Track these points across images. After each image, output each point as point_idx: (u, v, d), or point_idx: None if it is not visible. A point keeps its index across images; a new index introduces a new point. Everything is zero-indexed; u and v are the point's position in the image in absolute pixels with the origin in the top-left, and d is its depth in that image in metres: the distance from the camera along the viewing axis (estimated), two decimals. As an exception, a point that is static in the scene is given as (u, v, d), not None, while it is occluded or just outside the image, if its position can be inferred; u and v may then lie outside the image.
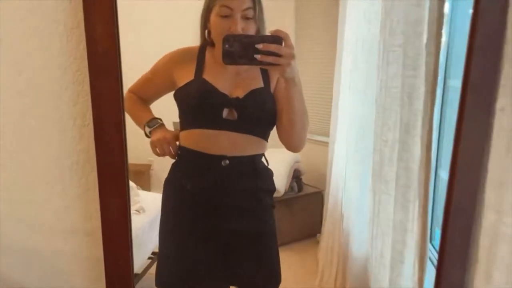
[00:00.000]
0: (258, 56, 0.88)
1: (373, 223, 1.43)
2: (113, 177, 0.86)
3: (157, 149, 1.15)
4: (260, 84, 1.12)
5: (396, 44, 1.18)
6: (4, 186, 0.91)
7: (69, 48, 0.86)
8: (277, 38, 0.88)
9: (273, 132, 1.19)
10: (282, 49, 0.89)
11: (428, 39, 0.95)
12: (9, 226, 0.93)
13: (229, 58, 0.89)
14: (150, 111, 1.25)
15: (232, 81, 1.12)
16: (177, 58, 1.18)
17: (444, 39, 1.43)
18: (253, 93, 1.10)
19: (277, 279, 1.22)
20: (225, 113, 1.09)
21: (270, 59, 0.89)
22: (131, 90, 1.26)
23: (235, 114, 1.09)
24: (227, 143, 1.10)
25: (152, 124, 1.18)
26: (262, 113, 1.11)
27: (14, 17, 0.86)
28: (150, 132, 1.17)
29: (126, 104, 1.21)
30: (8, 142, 0.90)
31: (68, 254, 0.95)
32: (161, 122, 1.20)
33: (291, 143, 1.14)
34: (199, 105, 1.10)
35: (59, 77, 0.87)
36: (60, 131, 0.89)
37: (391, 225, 1.22)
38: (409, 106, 1.09)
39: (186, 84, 1.12)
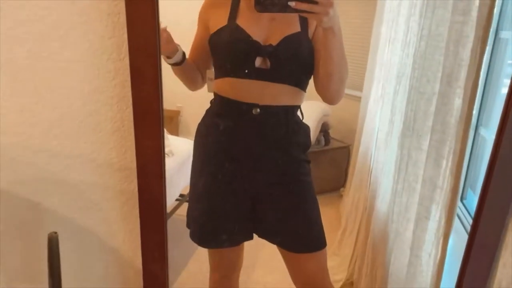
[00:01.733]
0: (292, 3, 0.83)
1: (398, 178, 1.41)
2: (148, 113, 0.87)
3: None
4: (296, 28, 1.07)
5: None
6: (41, 119, 0.94)
7: (105, -21, 0.84)
8: None
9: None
10: None
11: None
12: (46, 158, 0.96)
13: (261, 5, 0.85)
14: (200, 73, 1.25)
15: (267, 27, 1.07)
16: (211, 3, 1.15)
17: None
18: (287, 40, 1.05)
19: (318, 239, 1.16)
20: (257, 62, 1.06)
21: (305, 6, 0.84)
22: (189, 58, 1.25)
23: (268, 63, 1.06)
24: (259, 92, 1.07)
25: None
26: (296, 60, 1.07)
27: None
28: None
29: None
30: (44, 76, 0.91)
31: (102, 187, 0.99)
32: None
33: (328, 95, 1.10)
34: (230, 53, 1.07)
35: (94, 7, 0.86)
36: (95, 65, 0.90)
37: (420, 181, 1.19)
38: (454, 56, 1.02)
39: (218, 30, 1.09)
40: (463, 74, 0.98)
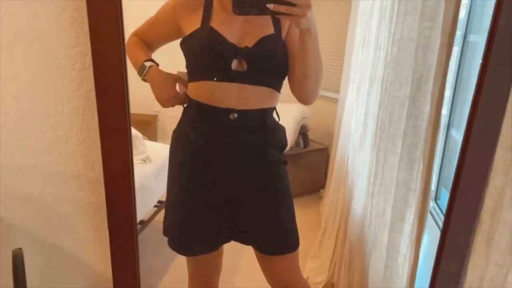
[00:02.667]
0: (270, 6, 0.82)
1: (374, 180, 1.43)
2: (115, 123, 0.85)
3: (166, 105, 1.15)
4: (270, 30, 1.07)
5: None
6: (4, 132, 0.91)
7: (67, -15, 0.81)
8: None
9: (282, 86, 1.16)
10: None
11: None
12: (10, 173, 0.93)
13: (240, 8, 0.84)
14: (146, 54, 1.19)
15: (241, 29, 1.06)
16: (183, 3, 1.11)
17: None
18: (262, 41, 1.05)
19: (289, 240, 1.17)
20: (234, 64, 1.04)
21: (283, 9, 0.83)
22: (135, 33, 1.21)
23: (245, 65, 1.04)
24: (236, 96, 1.06)
25: (145, 67, 1.13)
26: (273, 62, 1.07)
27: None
28: (144, 76, 1.14)
29: (128, 48, 1.17)
30: (6, 87, 0.88)
31: (70, 200, 0.96)
32: (152, 63, 1.15)
33: (303, 96, 1.09)
34: (206, 56, 1.05)
35: (56, 16, 0.83)
36: (59, 75, 0.87)
37: (394, 183, 1.21)
38: (423, 61, 1.03)
39: (192, 33, 1.07)
40: (431, 78, 0.99)
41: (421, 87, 1.05)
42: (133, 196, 0.92)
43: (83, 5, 0.82)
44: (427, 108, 1.02)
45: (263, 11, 0.83)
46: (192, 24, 1.07)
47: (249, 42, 1.05)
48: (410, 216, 1.12)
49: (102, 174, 0.93)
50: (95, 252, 1.04)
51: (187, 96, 1.14)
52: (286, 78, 1.12)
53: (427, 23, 1.01)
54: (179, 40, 1.12)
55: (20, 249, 0.87)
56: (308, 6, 0.85)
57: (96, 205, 0.98)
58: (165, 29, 1.16)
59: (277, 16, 0.89)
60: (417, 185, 1.08)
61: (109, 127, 0.85)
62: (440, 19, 0.93)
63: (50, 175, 0.94)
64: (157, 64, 1.16)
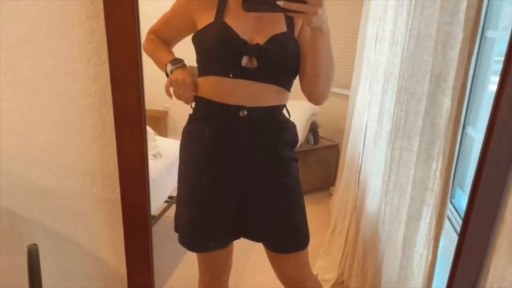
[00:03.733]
0: (281, 3, 0.81)
1: (389, 178, 1.41)
2: (130, 119, 0.84)
3: (172, 89, 1.09)
4: (283, 28, 1.05)
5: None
6: (20, 128, 0.90)
7: (82, -20, 0.81)
8: None
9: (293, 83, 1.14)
10: None
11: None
12: (26, 168, 0.93)
13: (249, 4, 0.83)
14: (171, 52, 1.19)
15: (254, 26, 1.05)
16: None
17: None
18: (274, 39, 1.03)
19: (299, 238, 1.16)
20: (244, 60, 1.03)
21: (294, 6, 0.82)
22: (151, 31, 1.20)
23: (255, 62, 1.03)
24: (246, 93, 1.05)
25: (175, 62, 1.12)
26: (283, 60, 1.05)
27: None
28: (171, 71, 1.11)
29: (147, 45, 1.17)
30: (22, 83, 0.87)
31: (85, 195, 0.96)
32: (183, 63, 1.14)
33: (314, 95, 1.08)
34: (217, 51, 1.04)
35: (72, 11, 0.82)
36: (75, 70, 0.86)
37: (410, 182, 1.19)
38: (443, 57, 1.01)
39: (205, 27, 1.05)
40: (451, 75, 0.97)
41: (440, 83, 1.03)
42: (148, 192, 0.91)
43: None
44: (446, 105, 1.00)
45: (273, 8, 0.82)
46: (206, 18, 1.06)
47: (261, 39, 1.04)
48: (427, 215, 1.10)
49: (116, 170, 0.93)
50: (109, 248, 1.04)
51: (195, 95, 1.13)
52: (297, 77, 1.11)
53: (447, 18, 0.99)
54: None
55: (35, 244, 0.87)
56: (319, 4, 0.83)
57: (110, 201, 0.98)
58: (180, 23, 1.15)
59: (289, 14, 0.87)
60: (435, 184, 1.05)
61: (125, 123, 0.85)
62: (461, 14, 0.91)
63: (65, 171, 0.94)
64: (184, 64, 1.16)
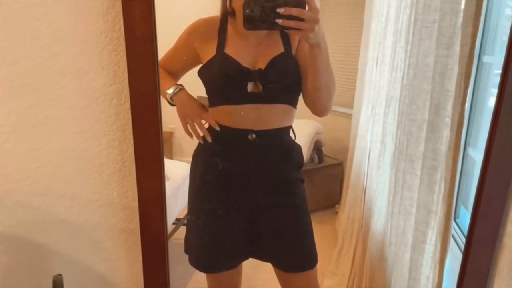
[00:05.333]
0: (279, 21, 0.85)
1: (393, 200, 1.45)
2: (149, 155, 0.89)
3: (188, 125, 1.15)
4: (280, 49, 1.10)
5: (430, 20, 1.15)
6: (46, 165, 0.96)
7: (106, 28, 0.87)
8: (300, 1, 0.85)
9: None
10: (305, 13, 0.85)
11: (464, 17, 0.92)
12: (51, 201, 0.98)
13: (250, 23, 0.87)
14: (173, 81, 1.23)
15: (255, 52, 1.10)
16: (198, 31, 1.16)
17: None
18: (274, 61, 1.08)
19: (308, 258, 1.19)
20: (250, 87, 1.08)
21: (292, 23, 0.85)
22: (159, 64, 1.26)
23: (260, 87, 1.08)
24: (254, 117, 1.10)
25: (173, 88, 1.16)
26: (285, 80, 1.10)
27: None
28: (171, 98, 1.16)
29: None
30: (48, 123, 0.94)
31: (105, 226, 1.01)
32: (181, 87, 1.18)
33: (316, 107, 1.12)
34: (222, 82, 1.09)
35: (96, 57, 0.89)
36: (97, 110, 0.92)
37: (415, 205, 1.23)
38: (441, 87, 1.07)
39: (208, 61, 1.11)
40: (450, 104, 1.02)
41: (439, 112, 1.08)
42: (165, 223, 0.96)
43: (120, 46, 0.88)
44: (446, 132, 1.05)
45: (273, 25, 0.86)
46: (208, 52, 1.12)
47: (262, 64, 1.09)
48: (432, 238, 1.14)
49: (135, 202, 0.98)
50: (126, 275, 1.08)
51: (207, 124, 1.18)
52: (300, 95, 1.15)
53: (444, 51, 1.05)
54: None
55: (60, 275, 0.91)
56: (316, 21, 0.87)
57: (128, 230, 1.03)
58: (184, 57, 1.20)
59: (287, 31, 0.91)
60: (438, 207, 1.10)
61: (144, 159, 0.90)
62: (456, 47, 0.97)
63: (87, 203, 0.99)
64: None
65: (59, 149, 0.95)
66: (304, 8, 0.85)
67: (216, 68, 1.09)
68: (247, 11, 0.86)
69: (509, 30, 0.79)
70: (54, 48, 0.89)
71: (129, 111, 0.89)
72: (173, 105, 1.19)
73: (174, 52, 1.23)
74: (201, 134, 1.16)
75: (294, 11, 0.84)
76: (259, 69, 1.08)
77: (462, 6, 0.94)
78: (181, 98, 1.17)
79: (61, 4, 0.87)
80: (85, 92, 0.91)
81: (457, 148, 0.99)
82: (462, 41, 0.93)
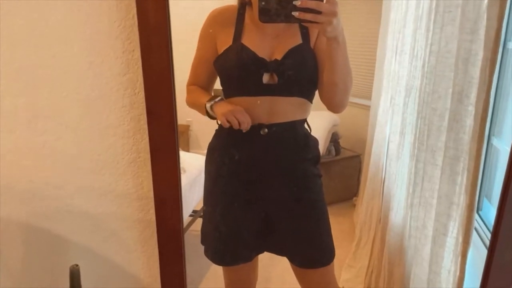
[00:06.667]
0: (296, 13, 0.82)
1: (413, 192, 1.41)
2: (164, 146, 0.89)
3: (231, 119, 1.05)
4: (298, 41, 1.08)
5: (454, 4, 1.10)
6: (63, 157, 0.97)
7: (119, 16, 0.86)
8: None
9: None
10: (322, 5, 0.82)
11: (489, 0, 0.87)
12: (71, 194, 0.99)
13: (265, 16, 0.84)
14: (210, 94, 1.19)
15: (272, 43, 1.08)
16: (216, 20, 1.13)
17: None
18: (291, 52, 1.06)
19: (324, 254, 1.18)
20: (265, 78, 1.06)
21: (309, 16, 0.82)
22: (189, 83, 1.21)
23: (276, 78, 1.06)
24: (267, 110, 1.08)
25: (212, 99, 1.11)
26: (301, 72, 1.08)
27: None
28: (211, 107, 1.10)
29: (188, 97, 1.19)
30: (64, 114, 0.95)
31: (121, 217, 1.02)
32: (222, 97, 1.14)
33: (332, 104, 1.09)
34: (238, 72, 1.08)
35: (110, 46, 0.89)
36: (111, 100, 0.92)
37: (436, 196, 1.19)
38: (464, 74, 1.02)
39: (224, 51, 1.09)
40: (473, 92, 0.98)
41: (462, 100, 1.04)
42: (181, 214, 0.96)
43: (133, 35, 0.87)
44: (469, 121, 1.01)
45: (289, 18, 0.83)
46: (225, 41, 1.10)
47: (278, 55, 1.06)
48: (454, 230, 1.10)
49: (150, 192, 0.98)
50: (143, 266, 1.09)
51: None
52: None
53: (467, 36, 1.00)
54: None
55: (77, 265, 0.92)
56: (333, 14, 0.84)
57: (144, 221, 1.03)
58: (210, 54, 1.15)
59: (304, 24, 0.88)
60: (460, 199, 1.06)
61: (159, 149, 0.90)
62: (481, 32, 0.93)
63: (103, 194, 1.00)
64: None
65: (74, 140, 0.96)
66: (322, 0, 0.82)
67: (232, 58, 1.08)
68: (263, 3, 0.83)
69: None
70: (67, 38, 0.89)
71: (144, 100, 0.88)
72: (214, 118, 1.13)
73: (198, 56, 1.19)
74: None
75: (311, 4, 0.81)
76: (275, 60, 1.06)
77: (488, -12, 0.89)
78: (221, 104, 1.11)
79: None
80: (99, 82, 0.91)
81: (481, 137, 0.95)
82: (488, 24, 0.89)
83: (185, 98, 1.19)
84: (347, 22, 0.88)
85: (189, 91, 1.20)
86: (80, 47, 0.90)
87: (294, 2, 0.81)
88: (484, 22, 0.92)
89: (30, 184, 0.99)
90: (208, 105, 1.10)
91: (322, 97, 1.11)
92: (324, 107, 1.14)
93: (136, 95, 0.91)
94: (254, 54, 1.06)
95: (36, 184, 0.99)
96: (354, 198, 3.17)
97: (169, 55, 0.83)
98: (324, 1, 0.82)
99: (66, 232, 1.03)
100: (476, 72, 0.98)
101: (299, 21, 0.84)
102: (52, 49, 0.90)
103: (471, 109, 0.99)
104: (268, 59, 1.06)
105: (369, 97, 2.87)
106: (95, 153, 0.96)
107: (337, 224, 2.91)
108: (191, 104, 1.19)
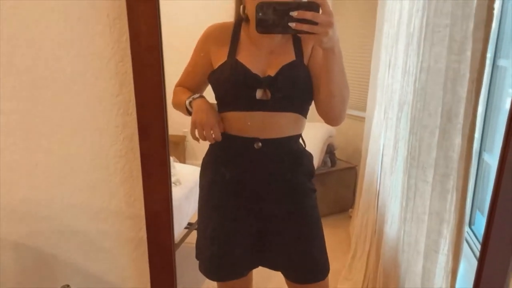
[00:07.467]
0: (292, 24, 0.83)
1: (406, 206, 1.42)
2: (156, 165, 0.90)
3: (197, 132, 1.08)
4: (292, 57, 1.09)
5: (442, 24, 1.12)
6: (55, 174, 0.98)
7: (112, 39, 0.88)
8: (314, 5, 0.83)
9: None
10: (318, 16, 0.83)
11: (475, 22, 0.89)
12: (61, 211, 1.00)
13: (263, 26, 0.85)
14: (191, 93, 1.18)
15: (266, 59, 1.09)
16: (212, 35, 1.15)
17: (495, 11, 1.34)
18: (284, 69, 1.07)
19: (318, 269, 1.18)
20: (258, 94, 1.07)
21: (305, 27, 0.83)
22: (177, 84, 1.22)
23: (269, 94, 1.07)
24: (261, 125, 1.09)
25: (192, 95, 1.11)
26: (294, 88, 1.08)
27: (56, 7, 0.88)
28: (190, 104, 1.11)
29: (173, 97, 1.19)
30: (57, 133, 0.95)
31: (113, 235, 1.02)
32: (201, 94, 1.15)
33: (330, 116, 1.09)
34: (231, 88, 1.08)
35: (103, 68, 0.90)
36: (104, 120, 0.93)
37: (427, 212, 1.20)
38: (452, 93, 1.04)
39: (219, 67, 1.10)
40: (462, 111, 1.00)
41: (451, 119, 1.06)
42: (172, 231, 0.96)
43: (126, 57, 0.88)
44: (457, 140, 1.02)
45: (286, 29, 0.84)
46: (220, 57, 1.11)
47: (272, 72, 1.07)
48: (445, 247, 1.11)
49: (142, 211, 0.98)
50: (135, 284, 1.08)
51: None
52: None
53: (455, 57, 1.02)
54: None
55: (68, 285, 0.93)
56: (329, 24, 0.85)
57: (136, 239, 1.03)
58: (203, 67, 1.17)
59: (300, 35, 0.89)
60: (450, 216, 1.07)
61: (151, 168, 0.90)
62: (468, 53, 0.94)
63: (96, 213, 1.00)
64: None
65: (67, 159, 0.96)
66: (318, 11, 0.83)
67: (226, 74, 1.09)
68: (260, 14, 0.84)
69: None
70: (61, 60, 0.91)
71: (136, 120, 0.89)
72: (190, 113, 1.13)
73: (191, 64, 1.21)
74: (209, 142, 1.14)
75: (308, 15, 0.83)
76: (268, 76, 1.07)
77: (474, 11, 0.91)
78: (199, 103, 1.12)
79: (68, 17, 0.88)
80: (92, 103, 0.92)
81: (469, 156, 0.96)
82: (474, 46, 0.90)
83: (193, 108, 1.15)
84: (342, 33, 0.89)
85: (175, 92, 1.20)
86: (74, 68, 0.91)
87: (291, 13, 0.83)
88: (470, 44, 0.94)
89: (22, 203, 1.00)
90: (187, 102, 1.11)
91: (320, 111, 1.10)
92: (319, 118, 1.14)
93: (129, 115, 0.92)
94: (248, 70, 1.07)
95: (28, 203, 1.00)
96: (350, 210, 3.17)
97: (161, 76, 0.84)
98: (320, 12, 0.84)
99: (58, 250, 1.03)
100: (464, 91, 1.00)
101: (296, 31, 0.85)
102: (45, 71, 0.91)
103: (459, 128, 1.01)
104: (261, 75, 1.08)
105: (363, 109, 2.90)
106: (88, 172, 0.97)
107: (333, 236, 2.91)
108: (175, 104, 1.18)
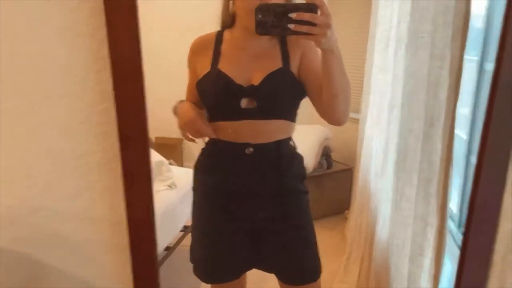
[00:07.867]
0: (291, 26, 0.85)
1: (395, 210, 1.43)
2: (137, 174, 0.90)
3: (187, 133, 1.15)
4: (278, 64, 1.09)
5: (426, 30, 1.13)
6: (39, 182, 0.99)
7: (92, 49, 0.89)
8: (312, 6, 0.84)
9: (303, 108, 1.17)
10: (317, 17, 0.84)
11: (453, 30, 0.90)
12: (46, 217, 1.01)
13: (262, 28, 0.87)
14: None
15: (250, 67, 1.10)
16: (198, 47, 1.17)
17: (484, 12, 1.34)
18: (269, 77, 1.08)
19: (310, 271, 1.20)
20: (243, 103, 1.09)
21: (304, 28, 0.85)
22: (186, 100, 1.27)
23: (254, 102, 1.08)
24: (250, 131, 1.10)
25: (180, 101, 1.17)
26: (280, 96, 1.09)
27: (36, 16, 0.89)
28: (175, 107, 1.17)
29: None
30: (38, 142, 0.96)
31: (97, 242, 1.03)
32: (183, 100, 1.19)
33: (335, 117, 1.08)
34: (216, 98, 1.10)
35: (83, 77, 0.91)
36: (85, 129, 0.94)
37: (413, 216, 1.21)
38: (434, 98, 1.05)
39: (203, 77, 1.12)
40: (443, 117, 1.00)
41: (434, 123, 1.07)
42: (155, 239, 0.97)
43: (107, 66, 0.89)
44: (440, 145, 1.03)
45: (285, 31, 0.86)
46: (204, 67, 1.13)
47: (256, 80, 1.08)
48: (429, 251, 1.12)
49: (124, 217, 0.99)
50: (121, 289, 1.09)
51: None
52: (308, 101, 1.14)
53: (437, 62, 1.03)
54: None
55: (53, 291, 0.94)
56: (328, 26, 0.86)
57: (120, 246, 1.04)
58: (194, 80, 1.18)
59: (299, 36, 0.88)
60: (434, 220, 1.08)
61: (132, 177, 0.91)
62: (448, 61, 0.95)
63: (81, 220, 1.01)
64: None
65: (50, 167, 0.97)
66: (316, 13, 0.85)
67: (209, 85, 1.10)
68: (259, 16, 0.86)
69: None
70: (41, 71, 0.91)
71: (117, 129, 0.90)
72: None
73: (188, 79, 1.24)
74: (202, 139, 1.17)
75: (306, 16, 0.84)
76: (252, 85, 1.08)
77: (452, 18, 0.92)
78: (183, 106, 1.16)
79: (47, 27, 0.89)
80: (73, 112, 0.93)
81: (449, 161, 0.97)
82: (452, 53, 0.91)
83: (177, 113, 1.21)
84: (338, 35, 0.89)
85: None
86: (53, 79, 0.92)
87: (289, 15, 0.84)
88: (449, 51, 0.95)
89: (8, 209, 1.01)
90: (172, 111, 1.17)
91: (323, 113, 1.09)
92: (316, 120, 1.15)
93: (110, 124, 0.93)
94: (230, 80, 1.08)
95: (14, 209, 1.01)
96: (346, 211, 3.18)
97: (142, 84, 0.85)
98: (319, 13, 0.85)
99: (44, 257, 1.04)
100: (445, 96, 1.00)
101: (295, 33, 0.87)
102: (27, 82, 0.92)
103: (441, 133, 1.02)
104: (245, 84, 1.08)
105: (358, 111, 2.90)
106: (71, 180, 0.98)
107: (329, 238, 2.92)
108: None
